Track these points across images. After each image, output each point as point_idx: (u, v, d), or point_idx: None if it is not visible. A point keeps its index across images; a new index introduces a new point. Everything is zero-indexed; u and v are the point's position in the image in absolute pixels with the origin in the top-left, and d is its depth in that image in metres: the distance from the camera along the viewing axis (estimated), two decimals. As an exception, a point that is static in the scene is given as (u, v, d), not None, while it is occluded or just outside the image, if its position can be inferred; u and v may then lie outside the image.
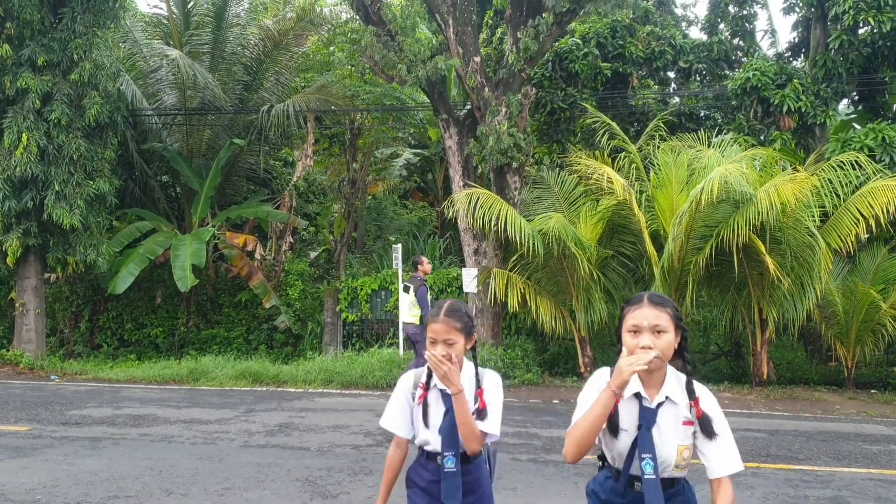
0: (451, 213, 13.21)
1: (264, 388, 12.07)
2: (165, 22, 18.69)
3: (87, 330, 16.88)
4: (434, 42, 15.71)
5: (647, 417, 2.64)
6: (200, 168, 17.37)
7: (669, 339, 2.62)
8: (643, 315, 2.62)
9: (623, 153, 13.50)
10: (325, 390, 11.93)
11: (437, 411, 3.11)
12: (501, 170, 13.52)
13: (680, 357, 2.72)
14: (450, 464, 3.06)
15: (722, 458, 2.66)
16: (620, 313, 2.73)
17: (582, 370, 12.95)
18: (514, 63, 13.51)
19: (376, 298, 15.46)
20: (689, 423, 2.66)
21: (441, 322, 3.04)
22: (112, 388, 11.92)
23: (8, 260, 13.67)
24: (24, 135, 13.28)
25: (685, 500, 2.73)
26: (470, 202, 12.58)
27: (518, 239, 12.13)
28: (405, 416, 3.19)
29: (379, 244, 19.34)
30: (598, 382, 2.74)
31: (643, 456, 2.60)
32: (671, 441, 2.66)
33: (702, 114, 18.53)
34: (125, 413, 9.62)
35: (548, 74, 16.95)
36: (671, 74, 18.79)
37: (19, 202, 13.46)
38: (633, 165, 13.28)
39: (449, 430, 3.05)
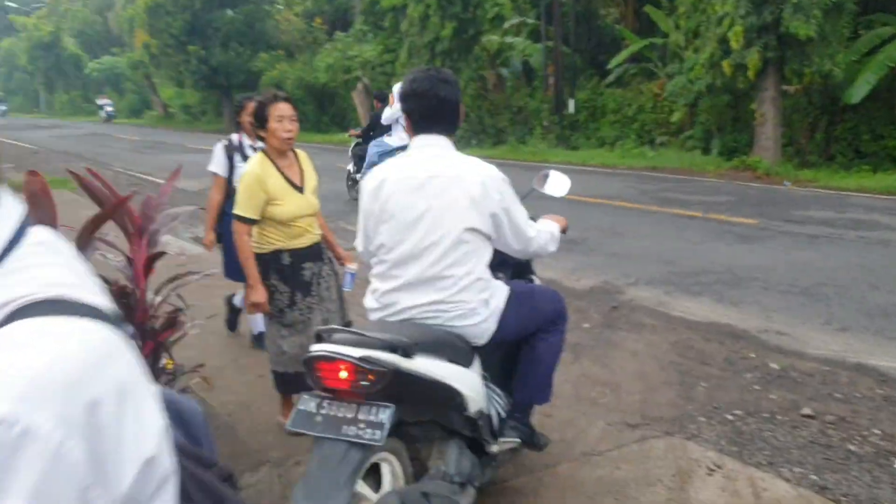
0: None
1: None
2: None
3: (822, 140, 17.18)
4: None
5: None
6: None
7: None
8: None
9: None
10: None
11: None
12: None
13: None
14: None
15: None
16: None
17: None
18: None
19: None
20: None
21: None
22: (839, 195, 12.22)
23: (749, 73, 14.74)
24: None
25: None
26: None
27: None
28: None
29: None
30: None
31: None
32: None
33: None
34: (847, 217, 9.95)
35: None
36: None
37: (759, 18, 14.24)
38: None
39: None
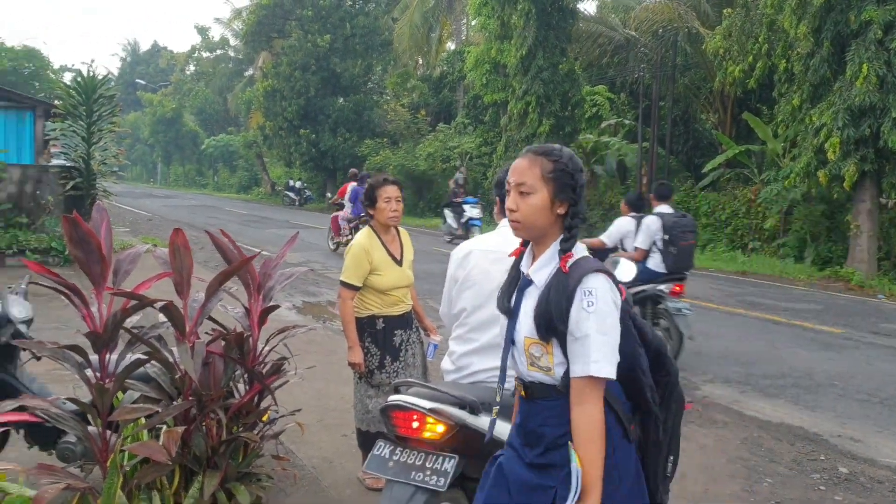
0: None
1: None
2: None
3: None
4: None
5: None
6: None
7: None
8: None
9: None
10: None
11: None
12: None
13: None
14: None
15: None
16: None
17: None
18: None
19: None
20: None
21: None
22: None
23: (845, 184, 14.69)
24: (864, 65, 13.96)
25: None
26: None
27: None
28: None
29: None
30: None
31: None
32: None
33: None
34: (939, 335, 9.76)
35: None
36: None
37: (857, 130, 14.27)
38: None
39: None
